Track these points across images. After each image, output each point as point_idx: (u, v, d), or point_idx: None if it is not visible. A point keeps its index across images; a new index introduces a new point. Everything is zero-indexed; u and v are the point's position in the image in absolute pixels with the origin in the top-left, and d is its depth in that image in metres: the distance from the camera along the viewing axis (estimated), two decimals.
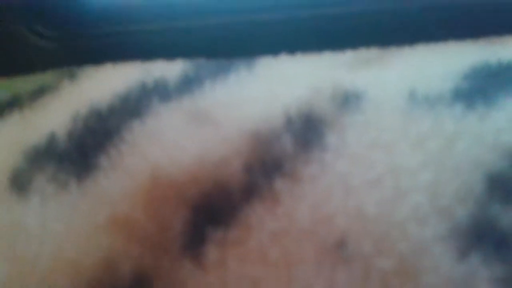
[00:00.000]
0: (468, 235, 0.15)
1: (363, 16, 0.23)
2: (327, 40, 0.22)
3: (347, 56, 0.21)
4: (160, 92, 0.20)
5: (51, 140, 0.19)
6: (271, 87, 0.19)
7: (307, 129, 0.18)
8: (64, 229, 0.18)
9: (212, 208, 0.17)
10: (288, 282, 0.16)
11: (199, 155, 0.18)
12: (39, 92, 0.21)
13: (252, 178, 0.17)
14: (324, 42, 0.21)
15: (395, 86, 0.18)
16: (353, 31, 0.23)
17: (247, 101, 0.19)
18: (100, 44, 0.25)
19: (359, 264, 0.16)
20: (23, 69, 0.24)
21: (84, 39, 0.25)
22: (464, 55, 0.20)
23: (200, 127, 0.18)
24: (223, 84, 0.20)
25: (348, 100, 0.18)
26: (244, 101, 0.19)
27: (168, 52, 0.23)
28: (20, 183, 0.18)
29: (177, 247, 0.17)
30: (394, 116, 0.17)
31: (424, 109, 0.17)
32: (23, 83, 0.22)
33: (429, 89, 0.18)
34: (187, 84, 0.20)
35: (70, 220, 0.18)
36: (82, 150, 0.19)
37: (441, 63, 0.19)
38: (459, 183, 0.16)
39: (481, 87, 0.18)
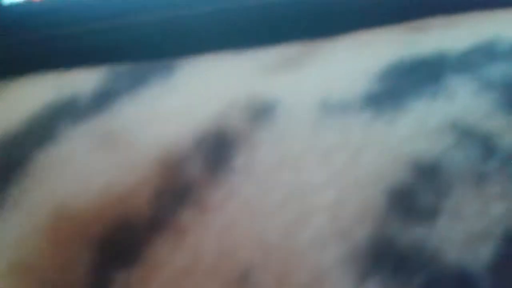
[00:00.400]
0: (367, 258, 0.15)
1: (288, 6, 0.22)
2: (250, 35, 0.21)
3: (268, 56, 0.20)
4: (71, 112, 0.19)
5: None
6: (186, 100, 0.18)
7: (217, 150, 0.17)
8: None
9: (117, 247, 0.17)
10: None
11: (105, 187, 0.17)
12: None
13: (158, 211, 0.17)
14: (247, 37, 0.20)
15: (309, 93, 0.18)
16: (278, 24, 0.22)
17: (160, 119, 0.18)
18: (10, 53, 0.23)
19: None
20: None
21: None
22: (383, 49, 0.19)
23: (110, 152, 0.18)
24: (138, 98, 0.19)
25: (261, 112, 0.17)
26: (156, 119, 0.18)
27: (85, 57, 0.22)
28: None
29: None
30: (305, 128, 0.17)
31: (334, 118, 0.17)
32: None
33: (342, 94, 0.17)
34: (99, 102, 0.19)
35: None
36: None
37: (359, 62, 0.18)
38: (360, 200, 0.15)
39: (392, 89, 0.17)
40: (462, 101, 0.16)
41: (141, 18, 0.23)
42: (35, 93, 0.20)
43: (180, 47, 0.21)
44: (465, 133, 0.16)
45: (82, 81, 0.20)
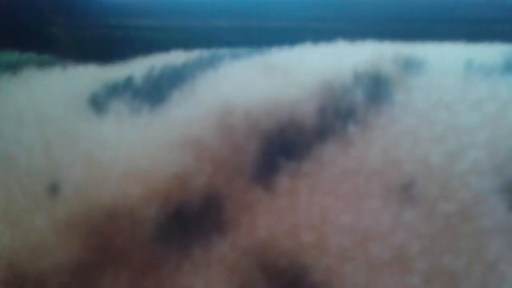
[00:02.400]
0: None
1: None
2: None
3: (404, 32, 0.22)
4: (232, 53, 0.20)
5: (129, 79, 0.20)
6: (338, 50, 0.20)
7: (376, 86, 0.19)
8: (139, 141, 0.18)
9: (286, 142, 0.18)
10: (356, 213, 0.17)
11: (274, 95, 0.18)
12: None
13: (326, 120, 0.18)
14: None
15: (452, 56, 0.20)
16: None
17: (317, 57, 0.20)
18: (107, 36, 0.25)
19: (424, 205, 0.17)
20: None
21: (93, 30, 0.25)
22: None
23: (274, 75, 0.19)
24: (292, 47, 0.21)
25: (410, 64, 0.19)
26: (313, 57, 0.20)
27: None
28: (98, 104, 0.19)
29: (249, 172, 0.18)
30: (454, 80, 0.19)
31: (480, 76, 0.19)
32: None
33: (483, 60, 0.19)
34: (256, 48, 0.21)
35: (143, 135, 0.18)
36: (157, 87, 0.19)
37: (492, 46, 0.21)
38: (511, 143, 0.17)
39: None
40: None
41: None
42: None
43: None
44: None
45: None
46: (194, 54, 0.21)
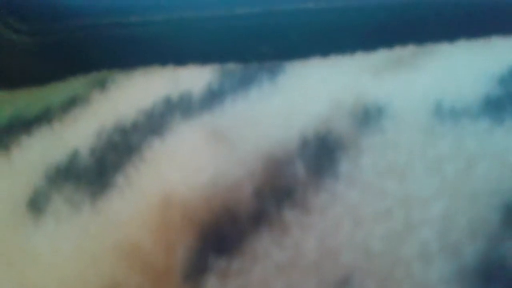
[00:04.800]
0: (476, 277, 0.15)
1: (398, 10, 0.21)
2: (360, 38, 0.21)
3: (378, 57, 0.19)
4: (183, 107, 0.19)
5: (74, 157, 0.19)
6: (292, 102, 0.19)
7: (321, 154, 0.17)
8: (74, 253, 0.18)
9: (219, 234, 0.17)
10: None
11: (213, 177, 0.17)
12: (70, 104, 0.21)
13: (262, 204, 0.17)
14: (357, 41, 0.20)
15: (421, 96, 0.17)
16: (388, 27, 0.21)
17: (266, 119, 0.18)
18: (71, 39, 0.23)
19: None
20: None
21: (62, 34, 0.23)
22: (505, 53, 0.18)
23: (217, 147, 0.18)
24: (244, 98, 0.19)
25: (369, 116, 0.17)
26: (262, 119, 0.18)
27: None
28: (37, 205, 0.18)
29: (179, 274, 0.17)
30: (415, 134, 0.16)
31: (447, 125, 0.16)
32: (53, 94, 0.22)
33: (458, 98, 0.17)
34: (210, 99, 0.19)
35: (79, 244, 0.18)
36: (101, 168, 0.19)
37: (478, 63, 0.18)
38: (472, 214, 0.15)
39: None
40: None
41: (244, 19, 0.22)
42: (153, 85, 0.21)
43: (286, 51, 0.21)
44: None
45: (196, 78, 0.20)
46: (146, 106, 0.20)
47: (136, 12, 0.23)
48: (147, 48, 0.23)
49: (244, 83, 0.20)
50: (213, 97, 0.19)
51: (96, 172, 0.19)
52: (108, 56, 0.23)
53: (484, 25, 0.20)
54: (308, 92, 0.19)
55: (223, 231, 0.17)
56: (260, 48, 0.22)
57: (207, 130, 0.19)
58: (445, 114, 0.17)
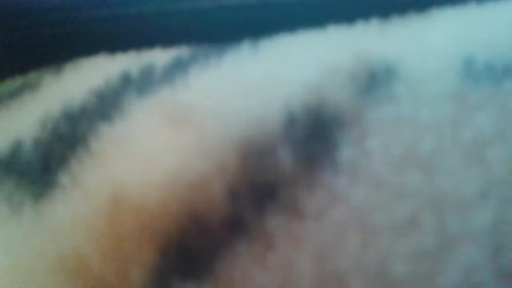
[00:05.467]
0: None
1: None
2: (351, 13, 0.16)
3: (376, 23, 0.15)
4: (142, 83, 0.16)
5: (16, 149, 0.16)
6: (274, 70, 0.14)
7: (314, 136, 0.13)
8: (11, 266, 0.15)
9: (184, 249, 0.13)
10: None
11: (173, 172, 0.13)
12: (18, 91, 0.18)
13: (238, 208, 0.13)
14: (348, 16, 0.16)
15: (443, 52, 0.13)
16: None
17: (242, 92, 0.14)
18: (42, 35, 0.20)
19: None
20: None
21: (18, 31, 0.21)
22: None
23: (178, 132, 0.14)
24: (215, 68, 0.15)
25: (374, 81, 0.13)
26: (237, 93, 0.14)
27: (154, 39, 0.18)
28: None
29: None
30: (441, 104, 0.12)
31: (486, 89, 0.12)
32: (5, 85, 0.19)
33: (495, 51, 0.12)
34: (172, 74, 0.15)
35: (19, 255, 0.15)
36: (45, 164, 0.15)
37: (507, 14, 0.13)
38: None
39: None
40: None
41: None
42: (104, 69, 0.17)
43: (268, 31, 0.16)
44: None
45: (155, 57, 0.17)
46: (98, 84, 0.16)
47: (109, 5, 0.20)
48: (117, 42, 0.19)
49: (217, 51, 0.16)
50: (177, 69, 0.15)
51: (40, 168, 0.15)
52: (74, 52, 0.19)
53: None
54: (296, 57, 0.15)
55: (188, 245, 0.13)
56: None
57: (166, 110, 0.15)
58: (480, 74, 0.12)
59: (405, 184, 0.12)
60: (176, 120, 0.14)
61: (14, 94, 0.18)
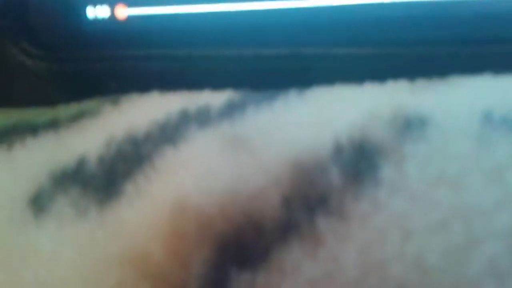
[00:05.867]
0: None
1: (432, 54, 0.21)
2: (387, 72, 0.19)
3: (412, 83, 0.18)
4: (201, 118, 0.18)
5: (81, 163, 0.18)
6: (321, 113, 0.17)
7: (359, 160, 0.15)
8: (77, 257, 0.16)
9: (241, 247, 0.15)
10: None
11: (232, 185, 0.15)
12: (79, 116, 0.20)
13: (291, 213, 0.15)
14: (383, 74, 0.19)
15: (466, 108, 0.16)
16: (420, 69, 0.19)
17: (292, 127, 0.17)
18: (95, 69, 0.23)
19: None
20: (5, 90, 0.23)
21: (80, 63, 0.23)
22: None
23: (237, 154, 0.16)
24: (268, 109, 0.17)
25: (409, 125, 0.15)
26: (288, 127, 0.17)
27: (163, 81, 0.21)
28: (40, 204, 0.17)
29: None
30: (465, 143, 0.15)
31: (502, 133, 0.15)
32: (63, 109, 0.21)
33: (508, 108, 0.15)
34: (230, 110, 0.18)
35: (84, 249, 0.16)
36: (110, 176, 0.17)
37: None
38: None
39: None
40: None
41: (272, 49, 0.22)
42: (170, 101, 0.19)
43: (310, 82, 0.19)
44: None
45: (215, 96, 0.19)
46: (160, 117, 0.18)
47: (159, 46, 0.23)
48: (165, 80, 0.22)
49: (268, 96, 0.18)
50: (233, 108, 0.18)
51: (104, 180, 0.17)
52: (125, 86, 0.22)
53: None
54: (339, 104, 0.17)
55: (244, 243, 0.15)
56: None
57: (225, 137, 0.17)
58: (497, 122, 0.15)
59: (436, 197, 0.14)
60: (235, 146, 0.16)
61: (75, 119, 0.20)
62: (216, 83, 0.21)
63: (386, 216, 0.14)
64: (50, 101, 0.22)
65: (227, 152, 0.16)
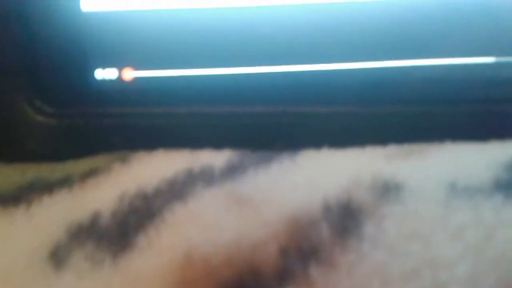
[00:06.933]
0: None
1: (407, 114, 0.24)
2: (368, 135, 0.23)
3: (388, 149, 0.21)
4: (205, 177, 0.20)
5: (95, 218, 0.19)
6: (312, 176, 0.20)
7: (345, 218, 0.18)
8: None
9: None
10: None
11: (236, 237, 0.18)
12: (91, 173, 0.22)
13: (287, 262, 0.17)
14: (365, 137, 0.22)
15: (435, 178, 0.19)
16: (394, 128, 0.24)
17: (288, 188, 0.19)
18: (103, 126, 0.24)
19: None
20: (19, 145, 0.24)
21: (89, 119, 0.24)
22: (506, 147, 0.20)
23: (240, 210, 0.19)
24: (266, 171, 0.20)
25: (387, 190, 0.18)
26: (284, 188, 0.19)
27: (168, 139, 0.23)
28: (58, 258, 0.19)
29: None
30: (434, 207, 0.18)
31: (464, 200, 0.18)
32: (75, 165, 0.23)
33: (470, 180, 0.18)
34: (231, 171, 0.20)
35: None
36: (123, 229, 0.19)
37: (483, 155, 0.20)
38: (497, 275, 0.16)
39: None
40: None
41: (265, 109, 0.24)
42: (175, 160, 0.22)
43: (300, 141, 0.22)
44: None
45: (216, 156, 0.22)
46: (168, 175, 0.20)
47: (162, 105, 0.25)
48: (168, 136, 0.24)
49: (265, 159, 0.21)
50: (234, 169, 0.20)
51: (118, 232, 0.19)
52: (131, 141, 0.24)
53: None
54: (327, 170, 0.20)
55: (245, 286, 0.17)
56: (274, 144, 0.23)
57: (229, 195, 0.19)
58: (460, 191, 0.18)
59: (410, 250, 0.17)
60: (238, 203, 0.19)
61: (88, 176, 0.22)
62: (215, 138, 0.23)
63: (368, 266, 0.16)
64: (61, 156, 0.24)
65: (231, 208, 0.19)
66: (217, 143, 0.23)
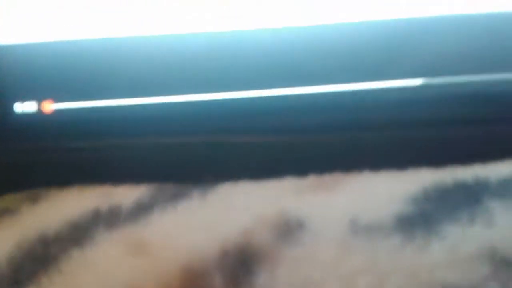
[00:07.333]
0: None
1: (318, 144, 0.23)
2: (291, 165, 0.22)
3: (306, 181, 0.21)
4: (111, 219, 0.20)
5: None
6: (216, 216, 0.19)
7: (239, 266, 0.17)
8: None
9: None
10: None
11: None
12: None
13: None
14: (287, 168, 0.22)
15: (338, 214, 0.18)
16: (307, 158, 0.23)
17: (189, 231, 0.19)
18: (21, 162, 0.24)
19: None
20: None
21: (3, 155, 0.24)
22: (419, 177, 0.20)
23: (135, 259, 0.18)
24: (172, 211, 0.20)
25: (288, 230, 0.18)
26: (185, 231, 0.19)
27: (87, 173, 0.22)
28: None
29: None
30: (330, 249, 0.17)
31: (362, 240, 0.17)
32: None
33: (371, 216, 0.18)
34: (138, 211, 0.20)
35: None
36: (17, 278, 0.18)
37: (393, 185, 0.19)
38: None
39: (426, 212, 0.18)
40: (501, 228, 0.16)
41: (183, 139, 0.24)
42: (76, 203, 0.21)
43: (217, 172, 0.22)
44: (503, 263, 0.15)
45: (129, 193, 0.21)
46: (73, 217, 0.20)
47: (83, 137, 0.24)
48: (88, 170, 0.24)
49: (175, 196, 0.20)
50: (140, 210, 0.20)
51: (11, 281, 0.18)
52: (49, 178, 0.24)
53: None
54: (234, 206, 0.20)
55: None
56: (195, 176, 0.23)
57: (128, 241, 0.19)
58: (360, 229, 0.17)
59: None
60: (135, 250, 0.18)
61: None
62: (134, 171, 0.23)
63: None
64: None
65: (127, 256, 0.18)
66: (138, 177, 0.23)
